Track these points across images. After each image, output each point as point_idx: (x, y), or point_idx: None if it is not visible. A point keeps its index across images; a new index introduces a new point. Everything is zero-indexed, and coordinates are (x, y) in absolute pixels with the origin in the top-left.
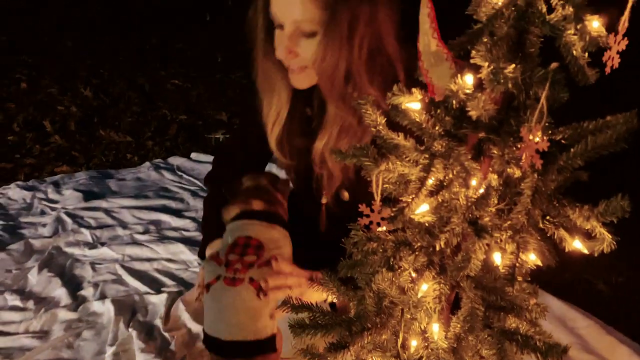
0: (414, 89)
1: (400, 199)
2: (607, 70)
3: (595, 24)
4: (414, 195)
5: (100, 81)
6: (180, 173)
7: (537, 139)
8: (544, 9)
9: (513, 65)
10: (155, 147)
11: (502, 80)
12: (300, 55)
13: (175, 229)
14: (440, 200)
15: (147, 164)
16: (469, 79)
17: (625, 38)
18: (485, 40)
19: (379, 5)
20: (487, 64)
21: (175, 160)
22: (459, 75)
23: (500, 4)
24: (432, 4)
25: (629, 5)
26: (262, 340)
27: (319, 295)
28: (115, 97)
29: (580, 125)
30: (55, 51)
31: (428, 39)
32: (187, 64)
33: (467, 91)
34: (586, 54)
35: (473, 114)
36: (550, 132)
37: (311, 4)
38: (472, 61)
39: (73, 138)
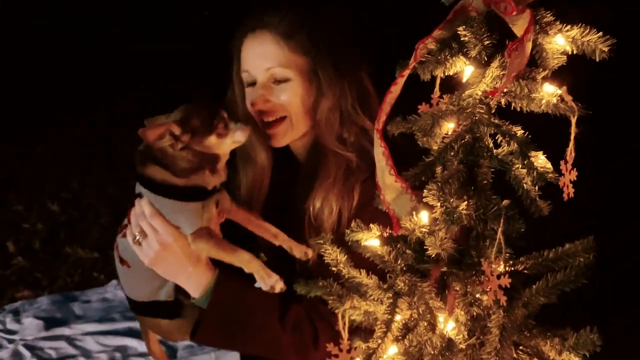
0: (372, 225)
1: (368, 345)
2: (565, 197)
3: (541, 159)
4: (380, 341)
5: (70, 194)
6: None
7: (499, 273)
8: (491, 144)
9: (465, 203)
10: None
11: (456, 219)
12: (274, 102)
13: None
14: (407, 344)
15: (114, 282)
16: (424, 216)
17: (575, 169)
18: (437, 178)
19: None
20: (439, 204)
21: None
22: (413, 212)
23: (448, 138)
24: (386, 144)
25: (573, 136)
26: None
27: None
28: (84, 210)
29: (540, 254)
30: (24, 163)
31: (385, 175)
32: None
33: (424, 230)
34: (537, 187)
35: (431, 252)
36: (511, 262)
37: (287, 49)
38: (424, 200)
39: (37, 258)
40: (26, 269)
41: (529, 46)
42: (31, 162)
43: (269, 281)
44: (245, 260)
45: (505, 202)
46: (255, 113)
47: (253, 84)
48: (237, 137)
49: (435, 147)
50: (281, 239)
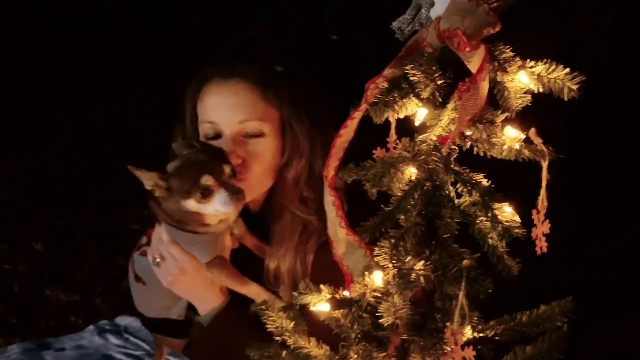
0: (322, 287)
1: None
2: (538, 252)
3: (507, 211)
4: None
5: (57, 232)
6: (127, 336)
7: (464, 343)
8: (453, 193)
9: (422, 263)
10: (104, 305)
11: (410, 283)
12: (247, 159)
13: None
14: None
15: (91, 327)
16: (377, 277)
17: (548, 220)
18: (392, 233)
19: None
20: (391, 265)
21: (124, 320)
22: (366, 272)
23: (407, 186)
24: (336, 193)
25: (544, 183)
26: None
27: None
28: (70, 249)
29: (513, 318)
30: (11, 201)
31: (336, 228)
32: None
33: (377, 294)
34: (504, 243)
35: (385, 320)
36: (480, 328)
37: (264, 101)
38: (376, 259)
39: (15, 302)
40: (1, 315)
41: (484, 86)
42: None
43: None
44: (255, 293)
45: (467, 262)
46: None
47: (217, 137)
48: (218, 208)
49: (396, 192)
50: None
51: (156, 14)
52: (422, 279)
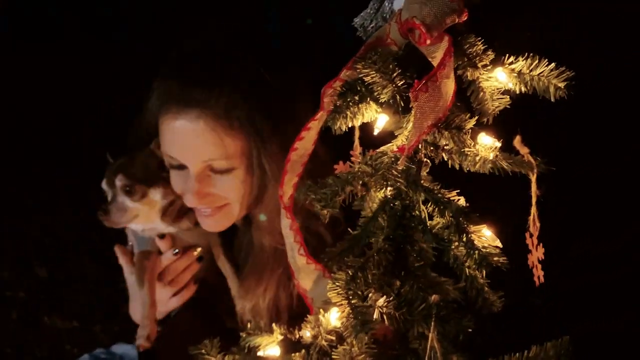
0: (274, 326)
1: None
2: (536, 282)
3: (485, 234)
4: None
5: (60, 257)
6: None
7: None
8: (425, 214)
9: (384, 299)
10: (101, 333)
11: (367, 324)
12: (215, 194)
13: None
14: None
15: (86, 356)
16: (333, 316)
17: (541, 244)
18: (350, 262)
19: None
20: (345, 301)
21: (119, 348)
22: (321, 313)
23: (375, 206)
24: (293, 215)
25: (534, 200)
26: None
27: None
28: (71, 274)
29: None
30: (17, 225)
31: (295, 255)
32: None
33: (331, 337)
34: (484, 272)
35: None
36: None
37: (227, 136)
38: (329, 294)
39: (11, 331)
40: None
41: (448, 84)
42: (23, 225)
43: (140, 331)
44: (142, 299)
45: (435, 297)
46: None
47: (180, 167)
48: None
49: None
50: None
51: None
52: (385, 318)
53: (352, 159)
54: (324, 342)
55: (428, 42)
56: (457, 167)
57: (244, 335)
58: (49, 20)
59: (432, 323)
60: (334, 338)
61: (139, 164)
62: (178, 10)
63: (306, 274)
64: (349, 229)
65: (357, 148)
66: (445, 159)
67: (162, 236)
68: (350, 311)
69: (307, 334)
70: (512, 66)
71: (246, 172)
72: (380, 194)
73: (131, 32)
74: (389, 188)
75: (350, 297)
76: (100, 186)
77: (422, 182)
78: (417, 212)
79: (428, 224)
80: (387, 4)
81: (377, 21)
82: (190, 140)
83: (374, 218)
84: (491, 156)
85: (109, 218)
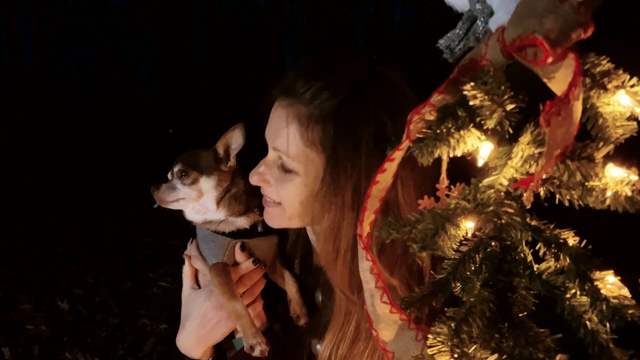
0: None
1: None
2: None
3: (610, 281)
4: None
5: (82, 290)
6: None
7: None
8: (530, 257)
9: (495, 357)
10: None
11: None
12: (272, 185)
13: None
14: None
15: None
16: None
17: None
18: (450, 313)
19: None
20: (451, 358)
21: None
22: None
23: (467, 244)
24: (372, 254)
25: None
26: None
27: None
28: (94, 308)
29: None
30: (40, 257)
31: (375, 302)
32: (177, 263)
33: None
34: (608, 326)
35: None
36: None
37: (300, 140)
38: (429, 351)
39: None
40: None
41: (578, 108)
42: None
43: (251, 340)
44: (236, 312)
45: (561, 356)
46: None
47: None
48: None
49: (449, 254)
50: (290, 292)
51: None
52: None
53: (438, 192)
54: None
55: (550, 60)
56: (566, 202)
57: None
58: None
59: None
60: None
61: (197, 156)
62: None
63: (387, 324)
64: (431, 272)
65: (445, 181)
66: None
67: (243, 248)
68: None
69: None
70: (636, 89)
71: (305, 186)
72: (462, 232)
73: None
74: (485, 226)
75: (457, 355)
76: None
77: (529, 220)
78: (520, 254)
79: (535, 269)
80: (480, 24)
81: (468, 42)
82: (272, 123)
83: (463, 260)
84: (627, 191)
85: (157, 193)
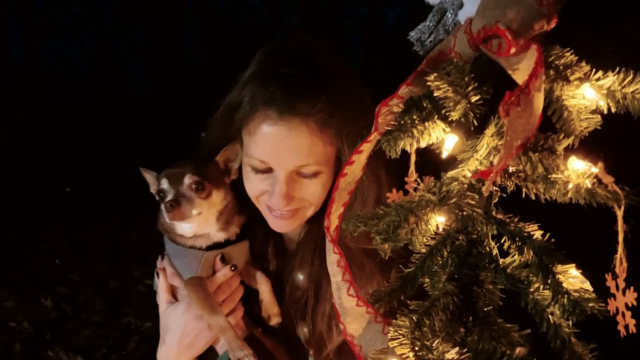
0: None
1: None
2: (622, 332)
3: (573, 275)
4: None
5: (67, 288)
6: None
7: None
8: (495, 250)
9: (456, 350)
10: None
11: None
12: (297, 198)
13: None
14: None
15: None
16: None
17: (632, 288)
18: (413, 306)
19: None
20: (410, 352)
21: None
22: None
23: (433, 240)
24: (341, 250)
25: (621, 237)
26: None
27: None
28: (78, 306)
29: None
30: (25, 254)
31: (342, 296)
32: None
33: None
34: (571, 321)
35: None
36: None
37: (322, 143)
38: (390, 344)
39: None
40: None
41: (539, 98)
42: (32, 256)
43: (238, 353)
44: (219, 326)
45: (520, 350)
46: (263, 203)
47: (266, 171)
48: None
49: (418, 248)
50: (263, 292)
51: None
52: None
53: (407, 186)
54: None
55: (513, 50)
56: (532, 196)
57: None
58: None
59: None
60: None
61: (208, 167)
62: None
63: (354, 317)
64: (400, 266)
65: (413, 174)
66: (519, 187)
67: (223, 259)
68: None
69: None
70: (601, 82)
71: (328, 176)
72: (433, 227)
73: None
74: (451, 219)
75: (417, 348)
76: (150, 191)
77: (494, 213)
78: (486, 248)
79: (501, 263)
80: (449, 16)
81: (438, 34)
82: (286, 146)
83: (431, 254)
84: (587, 184)
85: (179, 209)
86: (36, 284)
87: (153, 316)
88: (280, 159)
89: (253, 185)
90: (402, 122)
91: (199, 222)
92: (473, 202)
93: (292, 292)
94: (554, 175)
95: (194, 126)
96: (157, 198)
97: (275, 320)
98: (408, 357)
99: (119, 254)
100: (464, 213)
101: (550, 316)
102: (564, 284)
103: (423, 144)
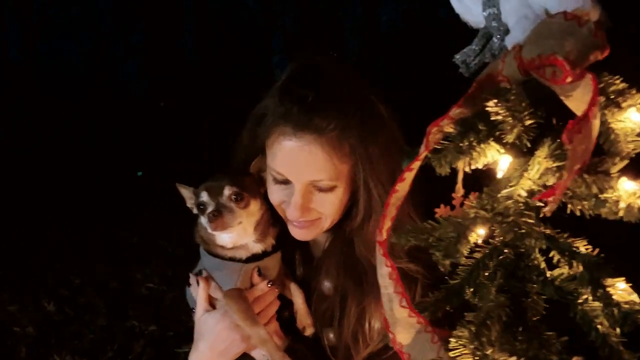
0: None
1: None
2: None
3: (621, 288)
4: None
5: (68, 291)
6: None
7: None
8: (543, 264)
9: (514, 359)
10: None
11: None
12: (313, 210)
13: None
14: None
15: None
16: None
17: None
18: (470, 318)
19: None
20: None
21: None
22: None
23: (479, 251)
24: (393, 262)
25: None
26: None
27: None
28: (81, 309)
29: None
30: (26, 258)
31: (393, 307)
32: (165, 263)
33: None
34: (618, 330)
35: None
36: None
37: (338, 160)
38: (452, 354)
39: None
40: None
41: (596, 125)
42: (33, 259)
43: None
44: (261, 337)
45: (577, 359)
46: (283, 212)
47: (285, 182)
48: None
49: (462, 261)
50: (297, 303)
51: None
52: None
53: (454, 202)
54: None
55: (569, 80)
56: (577, 212)
57: None
58: None
59: None
60: None
61: (244, 179)
62: None
63: (404, 327)
64: (446, 277)
65: (460, 190)
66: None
67: (259, 273)
68: None
69: None
70: None
71: (345, 191)
72: (474, 239)
73: None
74: (500, 234)
75: (478, 359)
76: (187, 206)
77: (542, 229)
78: (534, 261)
79: (548, 275)
80: (496, 41)
81: (484, 57)
82: (301, 161)
83: (477, 266)
84: (639, 203)
85: (222, 220)
86: (37, 287)
87: (157, 319)
88: (296, 172)
89: (274, 194)
90: (460, 143)
91: (239, 232)
92: (531, 221)
93: (319, 300)
94: (604, 195)
95: (194, 126)
96: (196, 211)
97: (309, 331)
98: None
99: (119, 255)
100: (523, 230)
101: (599, 326)
102: (613, 296)
103: (480, 164)
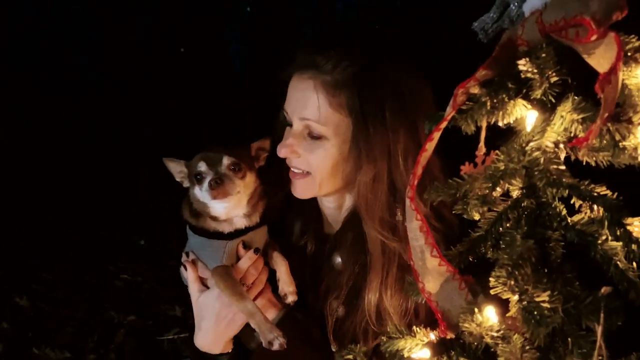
0: (415, 328)
1: None
2: None
3: (638, 225)
4: None
5: (41, 286)
6: None
7: None
8: (564, 211)
9: (548, 294)
10: None
11: (542, 318)
12: (302, 156)
13: None
14: None
15: None
16: (491, 314)
17: None
18: (505, 261)
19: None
20: (515, 296)
21: None
22: (476, 308)
23: (499, 204)
24: (424, 217)
25: None
26: None
27: None
28: (56, 303)
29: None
30: None
31: (425, 257)
32: (138, 256)
33: (494, 334)
34: (635, 264)
35: None
36: None
37: (329, 105)
38: (492, 292)
39: None
40: None
41: (621, 78)
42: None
43: (268, 336)
44: (249, 311)
45: (605, 289)
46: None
47: (290, 125)
48: (202, 195)
49: (477, 217)
50: (280, 271)
51: None
52: (547, 314)
53: (477, 159)
54: (489, 340)
55: (594, 38)
56: (593, 163)
57: (384, 339)
58: None
59: (601, 316)
60: (498, 335)
61: (241, 151)
62: None
63: (434, 277)
64: (469, 230)
65: (482, 148)
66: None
67: (244, 246)
68: (523, 306)
69: (466, 333)
70: None
71: (336, 149)
72: (498, 193)
73: None
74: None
75: (518, 292)
76: (178, 181)
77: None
78: (556, 209)
79: (569, 221)
80: (514, 8)
81: (502, 24)
82: (297, 95)
83: (500, 218)
84: None
85: (223, 187)
86: (5, 283)
87: (136, 309)
88: (291, 107)
89: (282, 140)
90: (493, 102)
91: (235, 202)
92: (562, 167)
93: (332, 275)
94: (624, 143)
95: (194, 126)
96: (187, 184)
97: (291, 298)
98: (510, 300)
99: (89, 251)
100: (554, 177)
101: (618, 262)
102: (633, 234)
103: (510, 120)
